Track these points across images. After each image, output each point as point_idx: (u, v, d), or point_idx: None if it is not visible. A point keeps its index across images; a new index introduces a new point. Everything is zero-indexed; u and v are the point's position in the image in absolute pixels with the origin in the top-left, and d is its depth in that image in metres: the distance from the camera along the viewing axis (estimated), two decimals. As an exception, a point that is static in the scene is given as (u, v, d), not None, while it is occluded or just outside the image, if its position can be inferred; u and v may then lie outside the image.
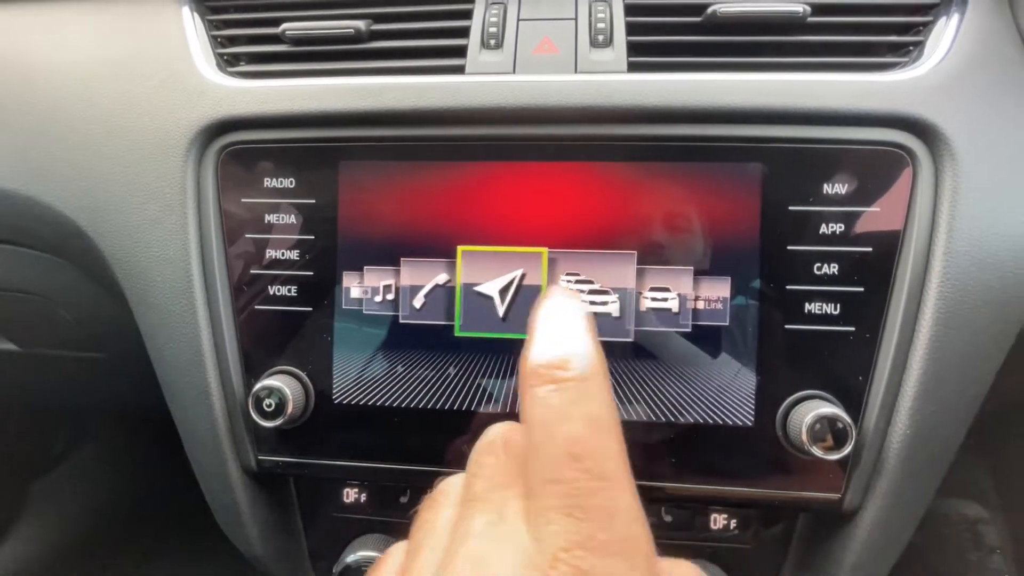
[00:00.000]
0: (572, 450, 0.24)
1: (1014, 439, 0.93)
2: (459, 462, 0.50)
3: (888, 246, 0.46)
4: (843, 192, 0.46)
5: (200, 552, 1.19)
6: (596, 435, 0.24)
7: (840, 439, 0.43)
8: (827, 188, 0.46)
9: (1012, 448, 0.96)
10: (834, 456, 0.43)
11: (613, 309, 0.47)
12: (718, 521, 0.55)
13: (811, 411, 0.44)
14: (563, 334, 0.27)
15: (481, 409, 0.49)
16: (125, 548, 1.24)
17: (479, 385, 0.49)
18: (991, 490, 1.07)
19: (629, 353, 0.48)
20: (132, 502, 1.31)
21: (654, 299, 0.47)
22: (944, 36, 0.49)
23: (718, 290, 0.47)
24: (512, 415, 0.48)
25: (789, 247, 0.46)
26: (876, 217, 0.46)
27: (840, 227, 0.46)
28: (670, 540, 0.55)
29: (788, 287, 0.46)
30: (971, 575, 1.04)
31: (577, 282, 0.46)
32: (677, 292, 0.47)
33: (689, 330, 0.47)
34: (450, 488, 0.30)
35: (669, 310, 0.47)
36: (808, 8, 0.49)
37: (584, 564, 0.22)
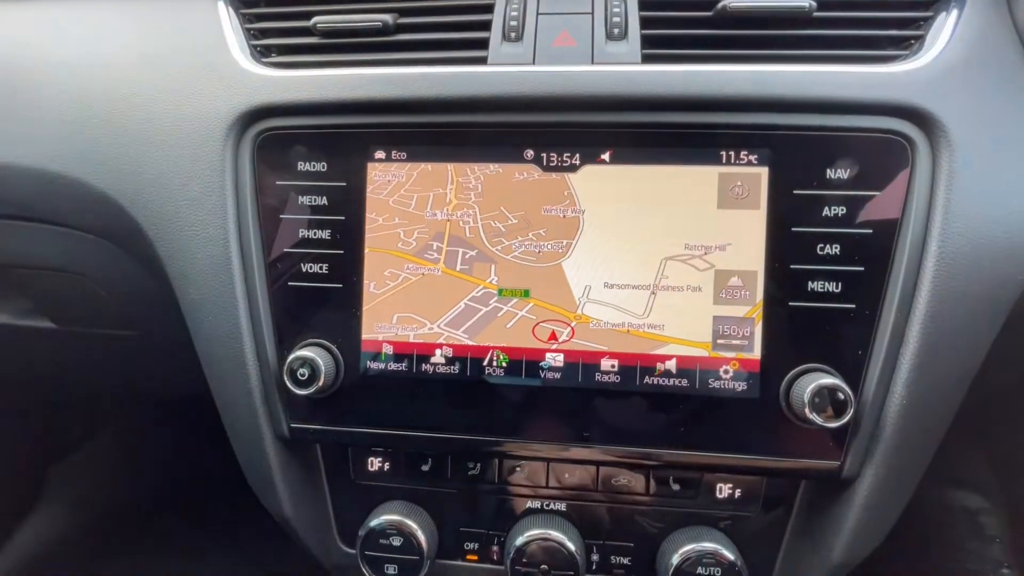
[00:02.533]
0: None
1: (1014, 430, 0.95)
2: (480, 431, 0.53)
3: (887, 228, 0.48)
4: (845, 177, 0.49)
5: (212, 537, 1.22)
6: None
7: (840, 409, 0.46)
8: (830, 173, 0.49)
9: (1012, 439, 0.98)
10: (834, 425, 0.46)
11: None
12: (723, 490, 0.57)
13: (813, 382, 0.47)
14: None
15: (501, 381, 0.52)
16: (139, 534, 1.27)
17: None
18: (991, 480, 1.08)
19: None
20: (147, 488, 1.34)
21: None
22: (944, 30, 0.52)
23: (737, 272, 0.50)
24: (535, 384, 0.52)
25: (793, 228, 0.49)
26: (876, 200, 0.48)
27: (842, 210, 0.49)
28: (678, 508, 0.58)
29: (792, 266, 0.49)
30: (971, 564, 1.06)
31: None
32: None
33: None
34: None
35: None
36: (814, 3, 0.52)
37: None
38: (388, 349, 0.54)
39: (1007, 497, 1.06)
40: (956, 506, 1.10)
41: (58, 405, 1.16)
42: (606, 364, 0.51)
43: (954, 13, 0.52)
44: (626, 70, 0.51)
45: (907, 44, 0.53)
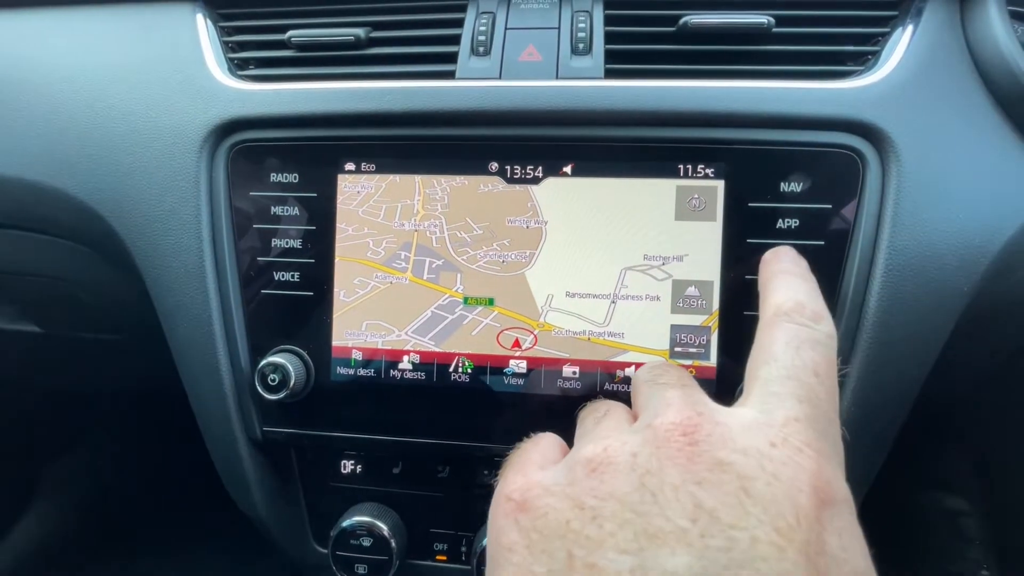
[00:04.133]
0: (815, 368, 0.35)
1: (994, 433, 0.96)
2: (447, 435, 0.55)
3: (839, 240, 0.50)
4: (799, 190, 0.50)
5: (202, 539, 1.24)
6: (828, 366, 0.36)
7: (791, 416, 0.48)
8: (784, 187, 0.50)
9: (994, 442, 0.99)
10: (785, 431, 0.48)
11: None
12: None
13: (765, 390, 0.48)
14: (805, 290, 0.41)
15: (466, 387, 0.54)
16: (133, 534, 1.28)
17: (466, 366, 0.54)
18: (972, 483, 1.10)
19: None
20: (138, 489, 1.36)
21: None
22: (898, 47, 0.53)
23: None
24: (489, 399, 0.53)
25: (748, 240, 0.51)
26: (828, 214, 0.50)
27: (795, 222, 0.50)
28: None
29: (747, 277, 0.51)
30: (952, 566, 1.07)
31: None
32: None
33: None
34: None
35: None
36: (772, 20, 0.53)
37: (806, 435, 0.31)
38: (357, 355, 0.55)
39: (987, 500, 1.07)
40: (937, 508, 1.12)
41: (50, 407, 1.18)
42: (568, 371, 0.53)
43: (908, 30, 0.54)
44: (588, 85, 0.53)
45: (864, 60, 0.54)
